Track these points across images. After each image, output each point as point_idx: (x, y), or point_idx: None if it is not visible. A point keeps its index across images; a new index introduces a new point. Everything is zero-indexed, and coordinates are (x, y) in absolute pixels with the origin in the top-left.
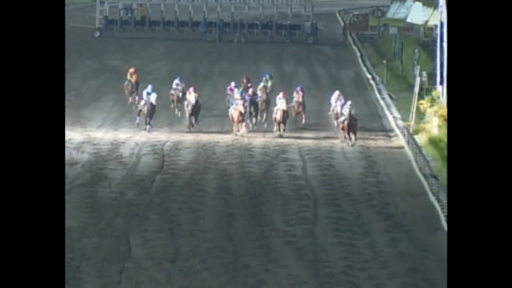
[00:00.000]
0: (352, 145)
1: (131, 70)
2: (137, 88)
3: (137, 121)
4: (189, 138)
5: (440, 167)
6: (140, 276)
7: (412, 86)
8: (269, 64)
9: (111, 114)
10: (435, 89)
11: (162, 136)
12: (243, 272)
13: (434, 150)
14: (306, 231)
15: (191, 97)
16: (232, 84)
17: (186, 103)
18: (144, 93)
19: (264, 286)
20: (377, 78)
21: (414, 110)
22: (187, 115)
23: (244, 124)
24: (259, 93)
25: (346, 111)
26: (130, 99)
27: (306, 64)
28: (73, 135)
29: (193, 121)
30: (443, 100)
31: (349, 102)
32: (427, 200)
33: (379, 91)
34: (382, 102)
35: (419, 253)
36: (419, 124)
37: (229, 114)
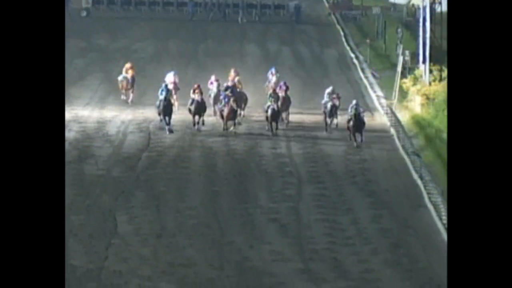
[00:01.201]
0: (358, 147)
1: (128, 65)
2: (133, 84)
3: (160, 122)
4: (174, 117)
5: (422, 145)
6: (126, 252)
7: (395, 65)
8: (253, 43)
9: (97, 92)
10: (418, 68)
11: (148, 114)
12: (227, 248)
13: (416, 128)
14: (290, 208)
15: (196, 95)
16: (212, 77)
17: (189, 101)
18: (159, 92)
19: (248, 262)
20: (361, 57)
21: (397, 88)
22: (191, 114)
23: (234, 121)
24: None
25: (352, 111)
26: (124, 96)
27: (289, 44)
28: None
29: (197, 120)
30: (426, 79)
31: (354, 102)
32: (409, 178)
33: (363, 70)
34: (365, 81)
35: (402, 230)
36: (402, 103)
37: (218, 110)
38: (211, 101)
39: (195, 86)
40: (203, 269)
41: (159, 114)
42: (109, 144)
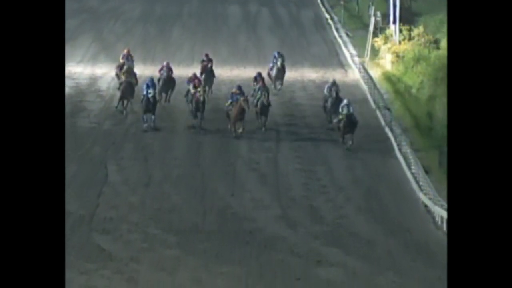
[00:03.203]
0: (348, 149)
1: (125, 51)
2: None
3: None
4: None
5: (392, 100)
6: (116, 200)
7: (367, 25)
8: (235, 5)
9: (89, 51)
10: (389, 28)
11: (137, 71)
12: (210, 196)
13: (387, 84)
14: (269, 158)
15: (197, 92)
16: (164, 63)
17: (190, 98)
18: (144, 86)
19: (230, 209)
20: (335, 18)
21: (369, 47)
22: (191, 110)
23: (242, 122)
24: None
25: (344, 111)
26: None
27: (269, 5)
28: None
29: (199, 118)
30: (396, 38)
31: (345, 101)
32: (380, 130)
33: (337, 30)
34: (339, 40)
35: (373, 179)
36: (374, 60)
37: (226, 111)
38: (158, 87)
39: (196, 81)
40: (187, 215)
41: (144, 112)
42: (100, 99)
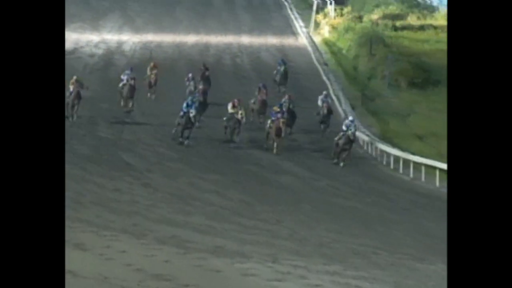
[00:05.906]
0: (342, 165)
1: (152, 64)
2: (155, 84)
3: (173, 131)
4: (167, 40)
5: (329, 58)
6: (136, 128)
7: (311, 5)
8: None
9: (117, 23)
10: (327, 7)
11: (150, 37)
12: (203, 126)
13: (325, 47)
14: (245, 93)
15: (238, 112)
16: (190, 75)
17: (228, 116)
18: (184, 104)
19: (216, 135)
20: (289, 0)
21: (312, 21)
22: (226, 126)
23: (279, 140)
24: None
25: (345, 128)
26: (149, 94)
27: None
28: (92, 37)
29: (232, 134)
30: (332, 14)
31: (350, 118)
32: (320, 79)
33: (291, 9)
34: (292, 16)
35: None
36: (316, 30)
37: (265, 128)
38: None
39: (201, 88)
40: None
41: (178, 124)
42: (124, 56)
